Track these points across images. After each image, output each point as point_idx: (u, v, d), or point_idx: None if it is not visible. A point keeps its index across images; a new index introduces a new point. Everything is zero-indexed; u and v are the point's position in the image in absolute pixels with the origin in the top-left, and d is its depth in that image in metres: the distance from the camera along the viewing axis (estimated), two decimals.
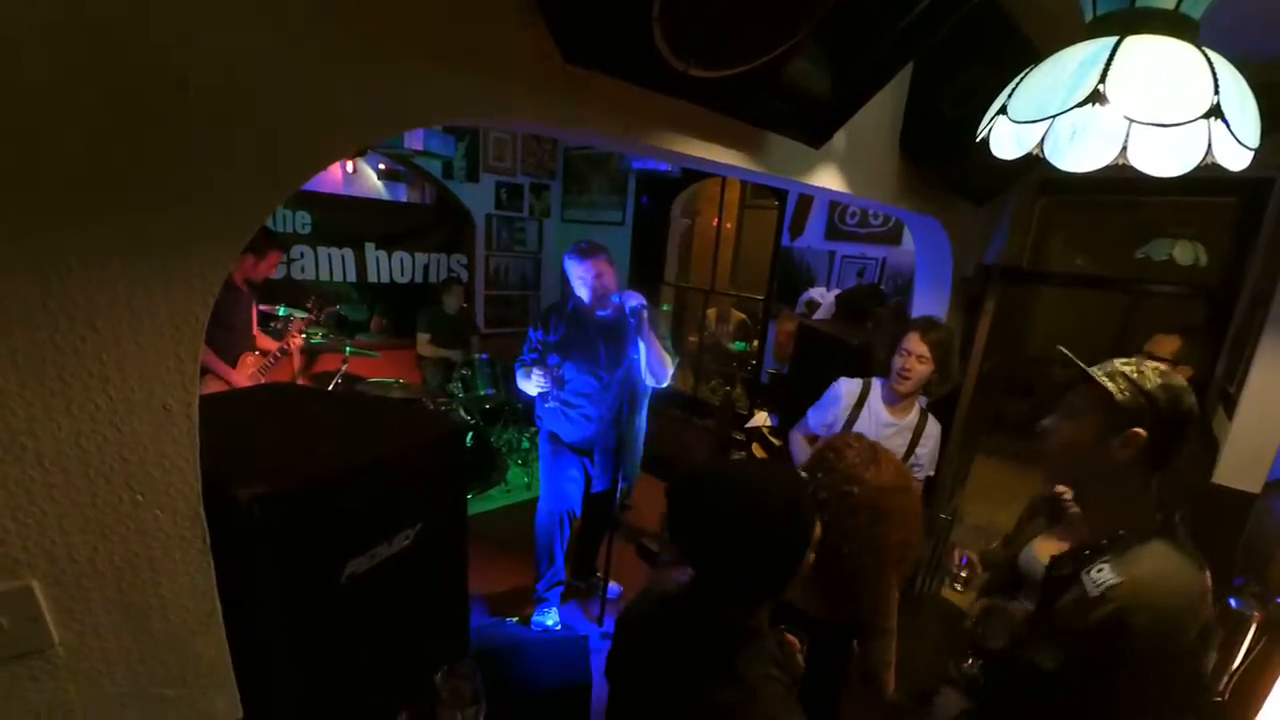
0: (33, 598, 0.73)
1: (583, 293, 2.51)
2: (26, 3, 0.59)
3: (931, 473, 2.25)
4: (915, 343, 2.09)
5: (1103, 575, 1.10)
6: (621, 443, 2.66)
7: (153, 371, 0.77)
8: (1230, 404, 1.96)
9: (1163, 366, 1.14)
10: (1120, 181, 2.66)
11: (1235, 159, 1.23)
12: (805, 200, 4.06)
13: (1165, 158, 1.28)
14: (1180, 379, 1.12)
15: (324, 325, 4.14)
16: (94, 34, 0.64)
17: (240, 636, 0.94)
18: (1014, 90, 1.33)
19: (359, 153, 4.60)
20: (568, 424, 2.70)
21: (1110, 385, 1.12)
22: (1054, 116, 1.23)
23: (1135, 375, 1.12)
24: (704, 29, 1.03)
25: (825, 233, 3.97)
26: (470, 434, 4.02)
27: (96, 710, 0.81)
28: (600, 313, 2.56)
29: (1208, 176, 2.17)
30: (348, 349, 4.02)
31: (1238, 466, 1.82)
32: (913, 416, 2.21)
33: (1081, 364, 1.20)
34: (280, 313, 3.63)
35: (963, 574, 1.67)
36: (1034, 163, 2.36)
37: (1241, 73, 1.17)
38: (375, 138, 0.91)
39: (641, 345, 2.49)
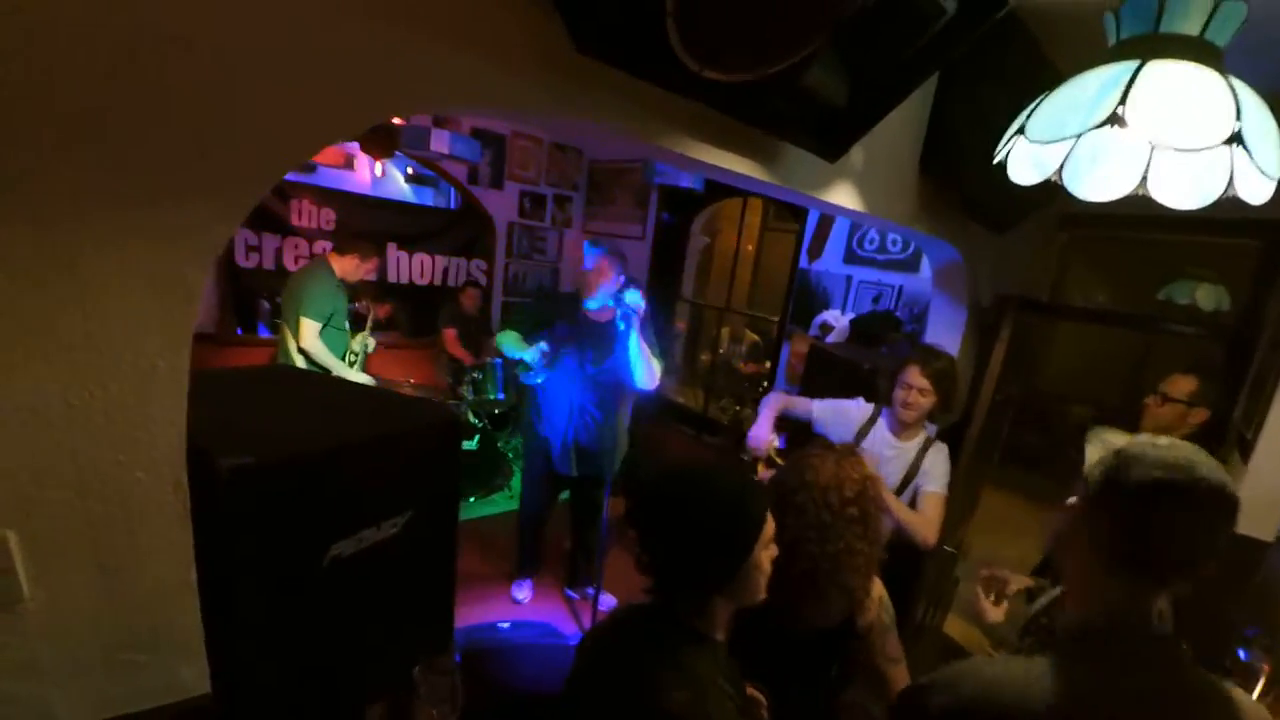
0: (6, 549, 0.73)
1: (596, 288, 2.61)
2: None
3: (936, 490, 2.10)
4: (915, 376, 2.07)
5: None
6: (600, 437, 2.77)
7: (142, 330, 0.78)
8: (1247, 449, 1.90)
9: (1143, 439, 0.89)
10: (1143, 218, 2.64)
11: (1257, 192, 1.20)
12: (825, 223, 4.04)
13: (1185, 190, 1.25)
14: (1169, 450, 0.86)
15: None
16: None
17: (216, 609, 0.93)
18: (1033, 111, 1.31)
19: (386, 154, 4.68)
20: (544, 407, 2.83)
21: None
22: (1073, 138, 1.21)
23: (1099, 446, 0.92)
24: (720, 30, 1.03)
25: (844, 257, 3.94)
26: (477, 437, 4.02)
27: (65, 670, 0.81)
28: (591, 310, 2.66)
29: (1230, 217, 2.13)
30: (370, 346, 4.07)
31: (1251, 513, 1.71)
32: (915, 443, 2.16)
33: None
34: None
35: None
36: (1054, 194, 2.35)
37: (1268, 102, 1.15)
38: (381, 117, 0.92)
39: (632, 345, 2.55)
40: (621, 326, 2.51)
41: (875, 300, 3.74)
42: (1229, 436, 2.20)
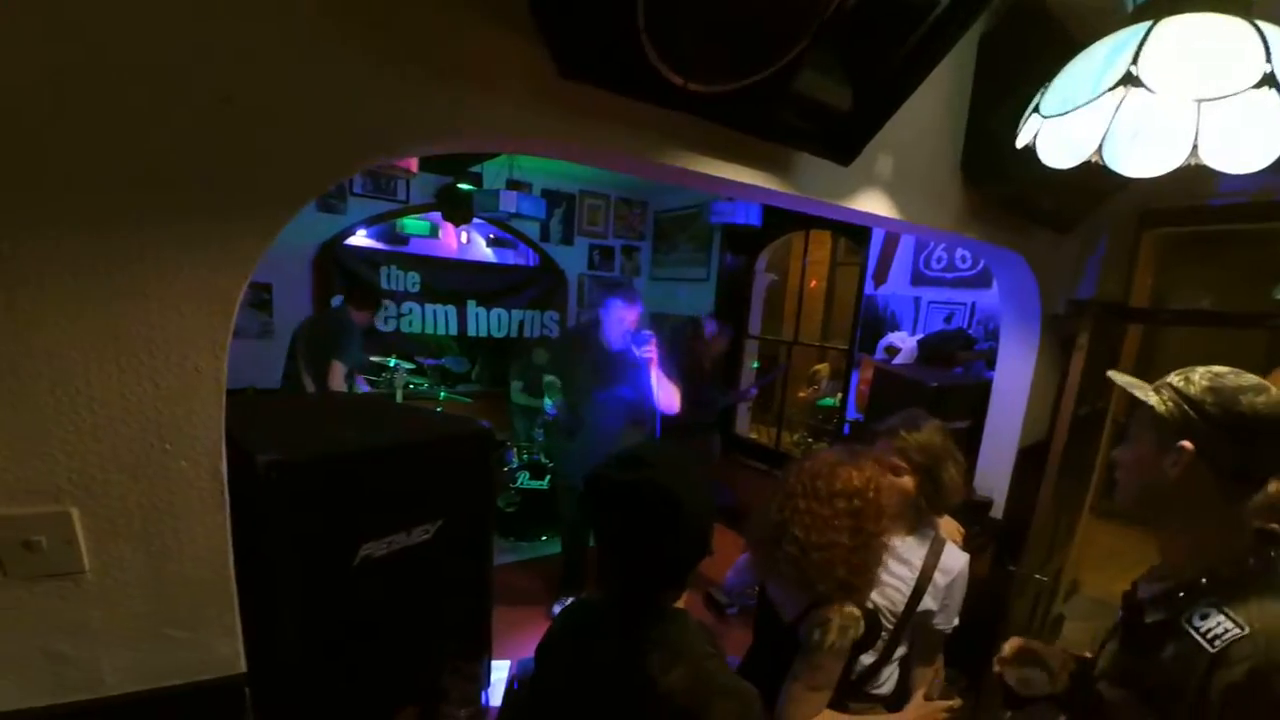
0: (70, 523, 0.84)
1: (615, 329, 3.09)
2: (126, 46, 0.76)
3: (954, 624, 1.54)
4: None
5: (1217, 626, 0.94)
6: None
7: (190, 338, 0.90)
8: None
9: (1219, 369, 1.01)
10: (1231, 209, 2.42)
11: None
12: (889, 247, 3.95)
13: (1241, 151, 1.16)
14: (1250, 378, 0.98)
15: (429, 376, 4.53)
16: (160, 70, 0.80)
17: (253, 595, 1.02)
18: (1047, 87, 1.28)
19: (465, 219, 5.05)
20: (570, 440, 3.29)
21: (1153, 399, 1.04)
22: (1083, 106, 1.16)
23: (1180, 383, 1.03)
24: (697, 41, 1.07)
25: (911, 278, 3.81)
26: (548, 477, 4.12)
27: (113, 638, 0.90)
28: (615, 347, 3.11)
29: None
30: (442, 394, 4.35)
31: None
32: (917, 547, 1.51)
33: (1123, 382, 1.13)
34: (390, 363, 4.09)
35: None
36: (1118, 187, 2.20)
37: None
38: (387, 155, 1.02)
39: (653, 376, 3.02)
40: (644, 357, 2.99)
41: (947, 320, 3.58)
42: None
